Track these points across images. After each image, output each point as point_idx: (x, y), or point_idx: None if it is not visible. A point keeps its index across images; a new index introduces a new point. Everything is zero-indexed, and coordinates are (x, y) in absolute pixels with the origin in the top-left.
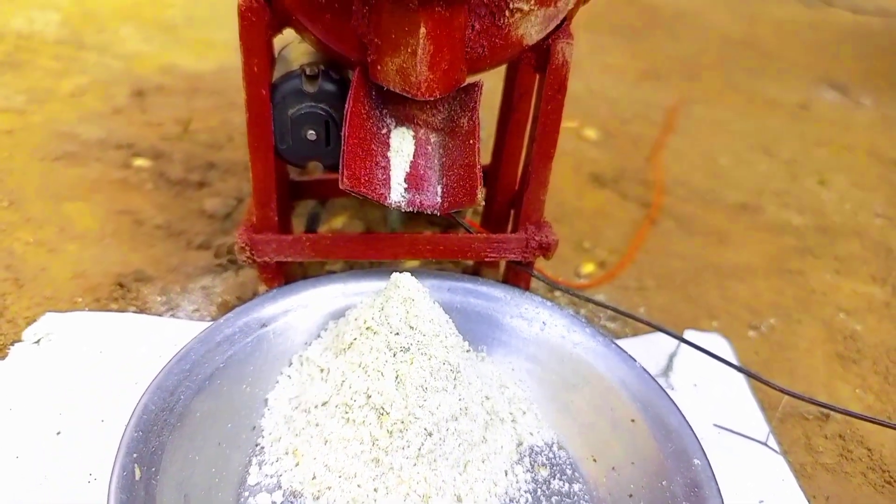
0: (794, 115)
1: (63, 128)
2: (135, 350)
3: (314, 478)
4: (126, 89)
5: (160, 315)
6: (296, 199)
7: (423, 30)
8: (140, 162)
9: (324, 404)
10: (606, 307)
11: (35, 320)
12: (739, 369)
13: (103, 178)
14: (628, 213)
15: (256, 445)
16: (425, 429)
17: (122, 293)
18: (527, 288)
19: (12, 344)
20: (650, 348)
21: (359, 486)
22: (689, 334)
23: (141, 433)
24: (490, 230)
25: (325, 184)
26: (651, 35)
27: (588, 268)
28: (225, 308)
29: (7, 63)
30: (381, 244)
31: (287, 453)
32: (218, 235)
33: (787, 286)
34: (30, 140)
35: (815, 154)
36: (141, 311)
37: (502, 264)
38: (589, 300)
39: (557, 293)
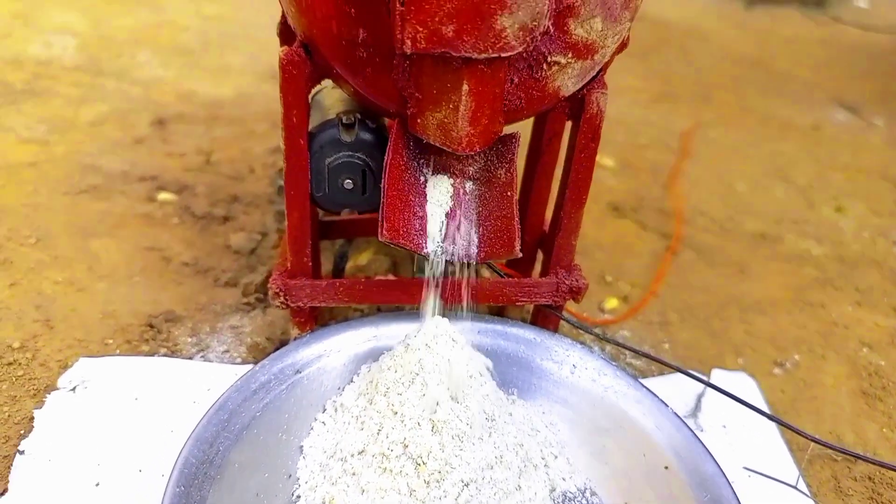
0: (807, 138)
1: (86, 159)
2: (169, 396)
3: None
4: (146, 118)
5: (191, 357)
6: (324, 239)
7: (465, 87)
8: (164, 196)
9: (360, 453)
10: (636, 351)
11: (67, 363)
12: (770, 417)
13: (129, 212)
14: (648, 243)
15: (293, 494)
16: (462, 479)
17: (153, 334)
18: (555, 330)
19: (47, 390)
20: (678, 388)
21: None
22: (716, 374)
23: (182, 488)
24: (516, 269)
25: (353, 223)
26: (663, 54)
27: (611, 303)
28: (255, 349)
29: (27, 91)
30: (413, 289)
31: (324, 502)
32: (244, 272)
33: (810, 320)
34: (54, 173)
35: (831, 179)
36: (172, 352)
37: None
38: (618, 344)
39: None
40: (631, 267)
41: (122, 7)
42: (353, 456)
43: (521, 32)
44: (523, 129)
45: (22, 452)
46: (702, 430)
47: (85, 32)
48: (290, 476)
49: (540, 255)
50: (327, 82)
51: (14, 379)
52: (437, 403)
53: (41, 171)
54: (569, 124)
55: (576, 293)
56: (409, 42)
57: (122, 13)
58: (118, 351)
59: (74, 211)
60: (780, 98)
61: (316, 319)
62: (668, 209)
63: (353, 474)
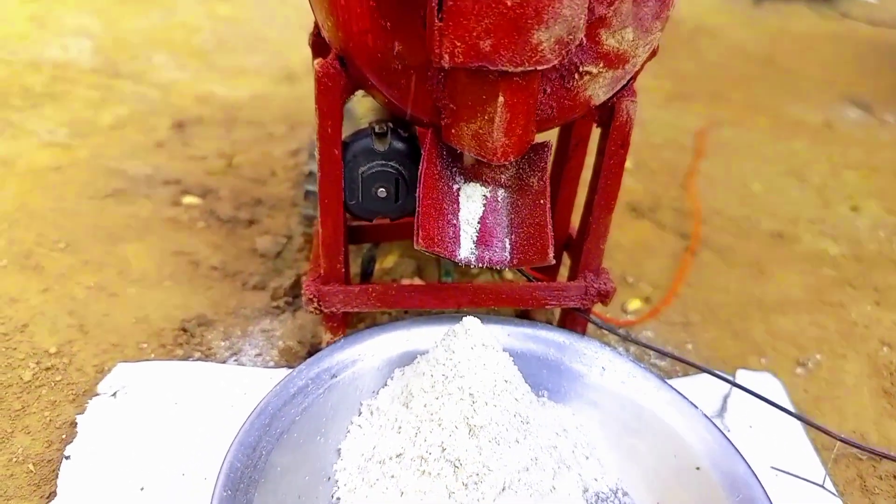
0: (820, 136)
1: (109, 163)
2: (206, 400)
3: None
4: (166, 120)
5: (224, 361)
6: (351, 243)
7: (501, 99)
8: (189, 199)
9: (398, 456)
10: (663, 353)
11: (103, 368)
12: (796, 416)
13: (155, 216)
14: (667, 244)
15: (332, 496)
16: (499, 481)
17: (186, 338)
18: (583, 332)
19: (86, 395)
20: (704, 388)
21: None
22: (741, 374)
23: (230, 492)
24: (543, 273)
25: (380, 228)
26: (674, 52)
27: (634, 304)
28: (287, 353)
29: (47, 94)
30: (444, 294)
31: None
32: (271, 275)
33: (829, 320)
34: (78, 177)
35: (845, 177)
36: (206, 356)
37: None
38: (645, 346)
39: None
40: (651, 267)
41: (135, 8)
42: (391, 459)
43: (556, 46)
44: (549, 134)
45: (68, 457)
46: (728, 430)
47: (100, 34)
48: (329, 478)
49: (566, 259)
50: (358, 91)
51: (53, 384)
52: (474, 406)
53: (66, 175)
54: (595, 129)
55: (604, 296)
56: (447, 57)
57: (135, 14)
58: (153, 355)
59: (101, 215)
60: (791, 96)
61: (347, 324)
62: (686, 209)
63: (392, 476)
